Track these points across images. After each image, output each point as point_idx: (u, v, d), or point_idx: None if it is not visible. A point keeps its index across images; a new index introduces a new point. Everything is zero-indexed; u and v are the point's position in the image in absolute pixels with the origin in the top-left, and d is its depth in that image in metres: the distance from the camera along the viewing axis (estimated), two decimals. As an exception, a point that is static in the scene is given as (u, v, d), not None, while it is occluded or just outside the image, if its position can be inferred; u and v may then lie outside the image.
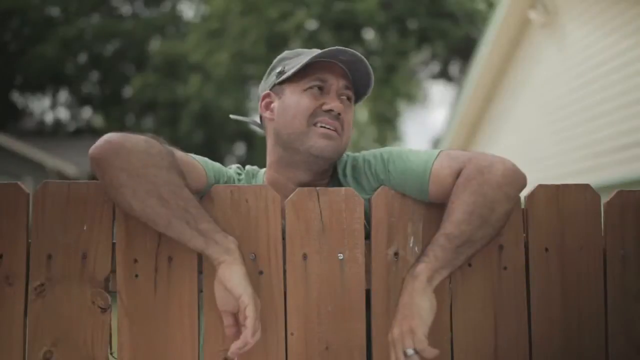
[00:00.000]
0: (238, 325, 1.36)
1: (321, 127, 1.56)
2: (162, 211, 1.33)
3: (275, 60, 1.70)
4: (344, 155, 1.65)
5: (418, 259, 1.42)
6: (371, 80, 1.63)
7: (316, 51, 1.60)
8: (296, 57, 1.64)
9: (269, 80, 1.68)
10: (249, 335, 1.31)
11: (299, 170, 1.60)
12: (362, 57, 1.58)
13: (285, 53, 1.69)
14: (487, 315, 1.52)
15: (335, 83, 1.60)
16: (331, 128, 1.56)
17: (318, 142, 1.56)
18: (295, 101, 1.59)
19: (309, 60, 1.57)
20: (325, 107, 1.57)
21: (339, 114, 1.57)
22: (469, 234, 1.40)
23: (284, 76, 1.62)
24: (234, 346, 1.31)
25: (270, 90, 1.67)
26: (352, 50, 1.57)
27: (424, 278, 1.38)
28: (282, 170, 1.62)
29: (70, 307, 1.43)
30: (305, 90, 1.59)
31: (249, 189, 1.49)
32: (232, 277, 1.34)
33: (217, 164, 1.60)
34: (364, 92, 1.66)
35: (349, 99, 1.63)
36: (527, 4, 8.52)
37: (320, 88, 1.59)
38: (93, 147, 1.34)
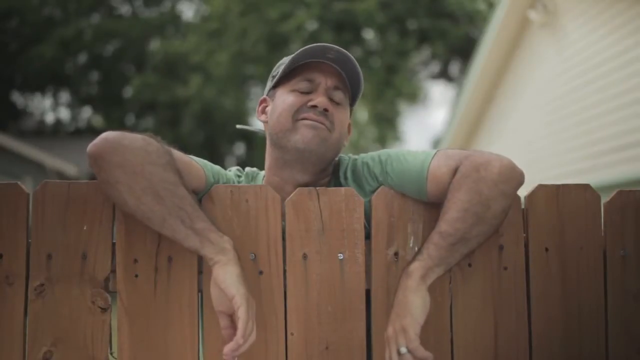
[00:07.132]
0: (234, 326, 1.35)
1: (307, 121, 1.55)
2: (157, 209, 1.33)
3: (275, 66, 1.70)
4: (345, 157, 1.65)
5: (413, 258, 1.42)
6: (360, 79, 1.62)
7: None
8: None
9: (267, 86, 1.70)
10: (239, 337, 1.29)
11: (294, 170, 1.59)
12: (348, 53, 1.57)
13: (284, 58, 1.69)
14: (487, 315, 1.52)
15: (324, 81, 1.59)
16: (317, 122, 1.55)
17: (304, 133, 1.54)
18: (282, 100, 1.59)
19: (293, 61, 1.57)
20: (310, 103, 1.56)
21: (326, 109, 1.56)
22: (463, 232, 1.40)
23: (276, 79, 1.63)
24: (227, 348, 1.30)
25: (267, 95, 1.68)
26: (337, 47, 1.56)
27: (417, 276, 1.39)
28: (279, 172, 1.61)
29: (70, 307, 1.43)
30: (292, 90, 1.59)
31: (249, 189, 1.49)
32: (225, 277, 1.33)
33: (217, 167, 1.60)
34: (357, 91, 1.66)
35: (339, 100, 1.61)
36: (527, 4, 8.52)
37: (309, 88, 1.59)
38: (91, 144, 1.34)
